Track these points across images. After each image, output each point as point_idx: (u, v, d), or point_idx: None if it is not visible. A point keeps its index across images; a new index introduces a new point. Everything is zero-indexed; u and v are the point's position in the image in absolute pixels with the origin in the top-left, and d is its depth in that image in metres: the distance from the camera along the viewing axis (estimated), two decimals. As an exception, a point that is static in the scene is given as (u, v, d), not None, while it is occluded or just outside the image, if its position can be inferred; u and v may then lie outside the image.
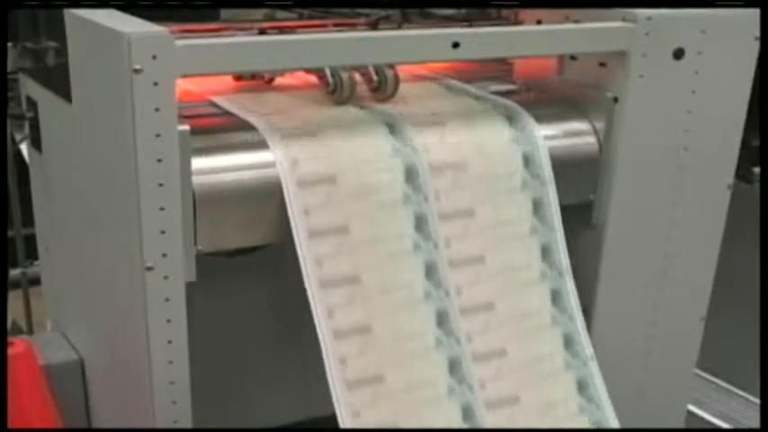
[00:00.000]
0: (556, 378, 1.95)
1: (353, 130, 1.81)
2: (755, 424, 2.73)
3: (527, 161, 1.91)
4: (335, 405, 1.71)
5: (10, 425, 1.71)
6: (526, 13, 2.16)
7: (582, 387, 1.97)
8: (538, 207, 1.93)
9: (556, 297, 1.95)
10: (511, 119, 1.92)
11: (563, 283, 1.95)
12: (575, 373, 1.96)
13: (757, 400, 2.84)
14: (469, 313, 1.86)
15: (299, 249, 1.70)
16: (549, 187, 1.92)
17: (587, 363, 1.97)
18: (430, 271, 1.82)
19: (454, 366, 1.83)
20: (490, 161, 1.88)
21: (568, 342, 1.96)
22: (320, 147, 1.75)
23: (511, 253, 1.91)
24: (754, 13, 2.02)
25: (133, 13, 1.67)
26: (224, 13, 2.34)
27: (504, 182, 1.90)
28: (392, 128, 1.82)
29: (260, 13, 2.25)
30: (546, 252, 1.94)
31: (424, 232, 1.81)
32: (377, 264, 1.77)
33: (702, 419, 2.79)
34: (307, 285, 1.71)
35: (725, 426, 2.80)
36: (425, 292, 1.82)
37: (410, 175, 1.80)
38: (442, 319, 1.83)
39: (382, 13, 2.22)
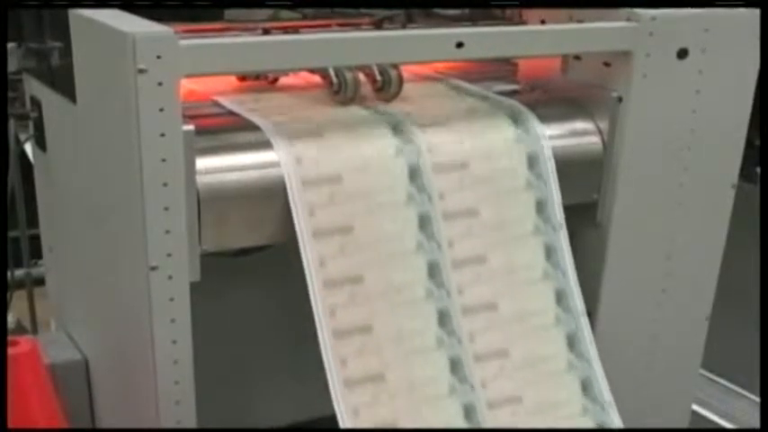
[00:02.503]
0: (560, 378, 1.95)
1: (357, 129, 1.81)
2: (757, 424, 2.73)
3: (531, 162, 1.91)
4: (335, 405, 1.71)
5: (15, 424, 1.71)
6: (530, 13, 2.16)
7: (585, 387, 1.97)
8: (542, 207, 1.92)
9: (560, 296, 1.96)
10: (515, 119, 1.92)
11: (567, 282, 1.95)
12: (578, 374, 1.96)
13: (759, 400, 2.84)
14: (471, 313, 1.87)
15: (302, 250, 1.70)
16: (554, 187, 1.92)
17: (591, 363, 1.97)
18: (433, 272, 1.82)
19: (456, 366, 1.84)
20: (494, 162, 1.88)
21: (571, 342, 1.96)
22: (324, 146, 1.75)
23: (514, 254, 1.91)
24: (758, 11, 2.02)
25: (135, 13, 1.67)
26: (228, 13, 2.34)
27: (507, 180, 1.90)
28: (396, 128, 1.82)
29: (264, 13, 2.25)
30: (550, 253, 1.94)
31: (427, 232, 1.81)
32: (380, 264, 1.77)
33: (707, 419, 2.78)
34: (309, 285, 1.71)
35: (728, 426, 2.80)
36: (427, 292, 1.82)
37: (414, 174, 1.80)
38: (443, 320, 1.83)
39: (386, 13, 2.22)
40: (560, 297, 1.95)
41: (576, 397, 1.95)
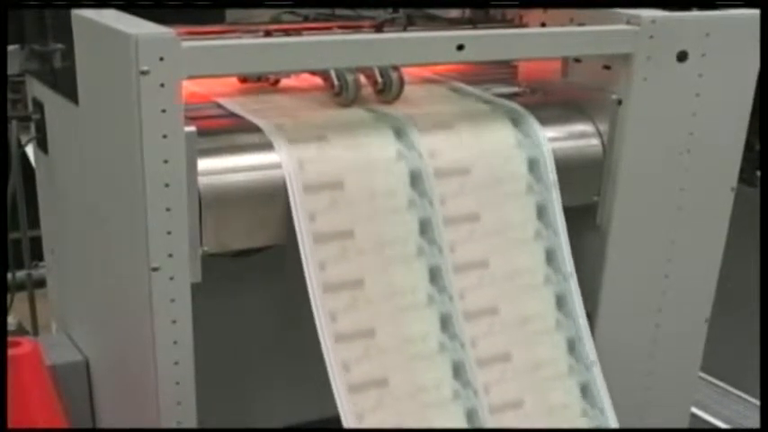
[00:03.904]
0: (559, 382, 1.95)
1: (359, 132, 1.81)
2: (756, 426, 2.73)
3: (532, 165, 1.91)
4: (339, 409, 1.72)
5: (16, 424, 1.71)
6: (530, 16, 2.17)
7: (585, 392, 1.97)
8: (542, 212, 1.93)
9: (560, 301, 1.96)
10: (515, 121, 1.93)
11: (567, 286, 1.96)
12: (577, 379, 1.96)
13: (759, 403, 2.84)
14: (473, 318, 1.87)
15: (302, 253, 1.71)
16: (554, 192, 1.92)
17: (590, 368, 1.97)
18: (434, 276, 1.83)
19: (458, 370, 1.84)
20: (495, 165, 1.89)
21: (572, 347, 1.97)
22: (325, 149, 1.75)
23: (515, 257, 1.91)
24: (758, 15, 2.02)
25: (136, 14, 1.68)
26: (229, 15, 2.35)
27: (508, 185, 1.90)
28: (397, 130, 1.83)
29: (266, 15, 2.25)
30: (551, 256, 1.94)
31: (428, 237, 1.82)
32: (381, 268, 1.77)
33: (705, 422, 2.79)
34: (310, 289, 1.71)
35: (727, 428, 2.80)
36: (429, 297, 1.82)
37: (415, 180, 1.80)
38: (445, 325, 1.84)
39: (387, 16, 2.22)
40: (561, 303, 1.95)
41: (576, 400, 1.96)
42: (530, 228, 1.92)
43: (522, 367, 1.91)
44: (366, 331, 1.76)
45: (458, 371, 1.84)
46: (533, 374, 1.92)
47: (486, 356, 1.87)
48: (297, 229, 1.70)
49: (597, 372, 1.97)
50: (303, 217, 1.71)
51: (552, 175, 1.92)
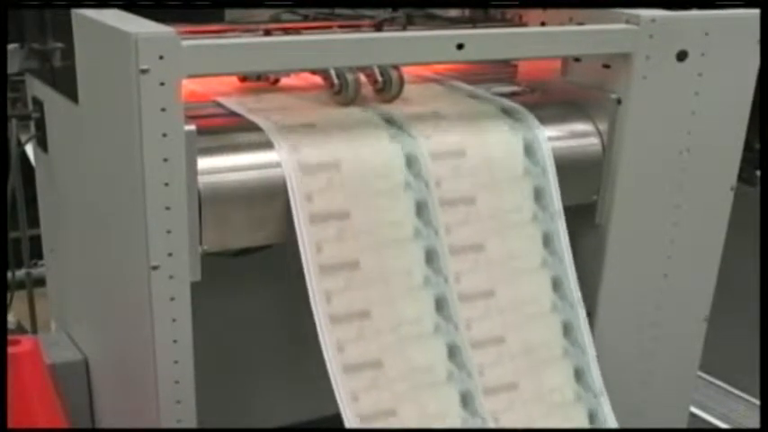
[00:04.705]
0: (567, 410, 1.95)
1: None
2: (757, 426, 2.73)
3: (538, 195, 1.91)
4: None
5: (16, 423, 1.71)
6: (530, 16, 2.17)
7: (592, 420, 1.97)
8: (548, 240, 1.93)
9: (567, 329, 1.96)
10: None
11: (575, 314, 1.96)
12: (585, 406, 1.96)
13: (759, 402, 2.84)
14: (480, 347, 1.87)
15: (309, 284, 1.71)
16: (559, 220, 1.93)
17: (597, 396, 1.97)
18: (440, 305, 1.83)
19: (466, 399, 1.85)
20: (500, 194, 1.89)
21: (579, 375, 1.97)
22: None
23: (521, 286, 1.91)
24: (758, 15, 2.03)
25: (136, 14, 1.68)
26: (229, 14, 2.35)
27: (514, 215, 1.90)
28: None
29: (265, 14, 2.25)
30: (557, 284, 1.95)
31: (434, 266, 1.82)
32: (387, 298, 1.77)
33: (704, 421, 2.79)
34: (317, 320, 1.72)
35: (726, 428, 2.81)
36: (435, 327, 1.82)
37: (421, 209, 1.81)
38: (453, 354, 1.84)
39: (387, 15, 2.22)
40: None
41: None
42: (536, 256, 1.92)
43: (529, 396, 1.91)
44: (373, 362, 1.76)
45: (465, 400, 1.84)
46: (541, 403, 1.92)
47: (494, 385, 1.88)
48: (303, 259, 1.70)
49: (605, 400, 1.97)
50: (310, 248, 1.71)
51: (558, 204, 1.93)
